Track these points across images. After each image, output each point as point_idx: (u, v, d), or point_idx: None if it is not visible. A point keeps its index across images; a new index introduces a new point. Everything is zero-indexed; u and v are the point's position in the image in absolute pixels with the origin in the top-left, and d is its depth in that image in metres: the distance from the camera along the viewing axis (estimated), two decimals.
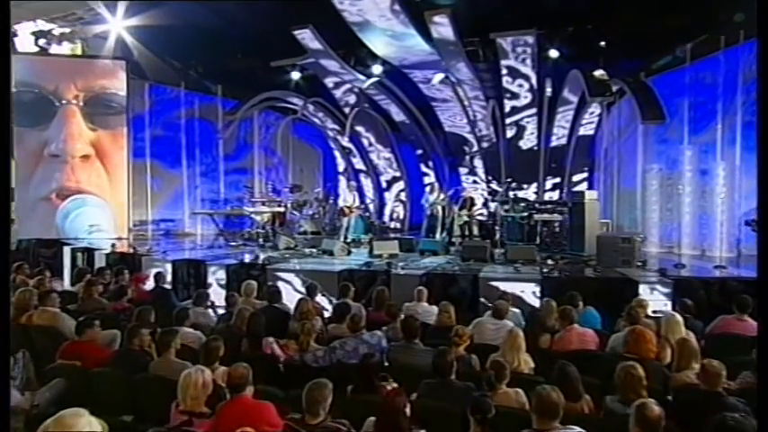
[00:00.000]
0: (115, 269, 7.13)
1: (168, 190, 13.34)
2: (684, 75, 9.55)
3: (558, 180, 13.43)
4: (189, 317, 4.82)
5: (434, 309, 5.78)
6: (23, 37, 11.58)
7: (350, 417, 3.12)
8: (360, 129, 14.62)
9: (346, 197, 11.03)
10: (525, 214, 9.86)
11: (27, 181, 11.32)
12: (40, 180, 11.45)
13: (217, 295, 7.18)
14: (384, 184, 15.50)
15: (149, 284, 7.16)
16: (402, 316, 5.24)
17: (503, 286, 7.08)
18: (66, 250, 10.05)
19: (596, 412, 3.34)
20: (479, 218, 11.11)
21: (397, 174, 15.26)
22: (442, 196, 10.94)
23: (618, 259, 7.68)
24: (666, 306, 6.35)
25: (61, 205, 11.45)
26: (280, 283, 7.36)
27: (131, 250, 9.80)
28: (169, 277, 8.24)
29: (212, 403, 3.22)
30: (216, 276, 8.13)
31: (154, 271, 7.55)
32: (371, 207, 14.64)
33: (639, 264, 7.75)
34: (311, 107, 13.90)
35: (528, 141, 13.24)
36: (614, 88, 9.83)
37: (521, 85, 12.21)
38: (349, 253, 9.48)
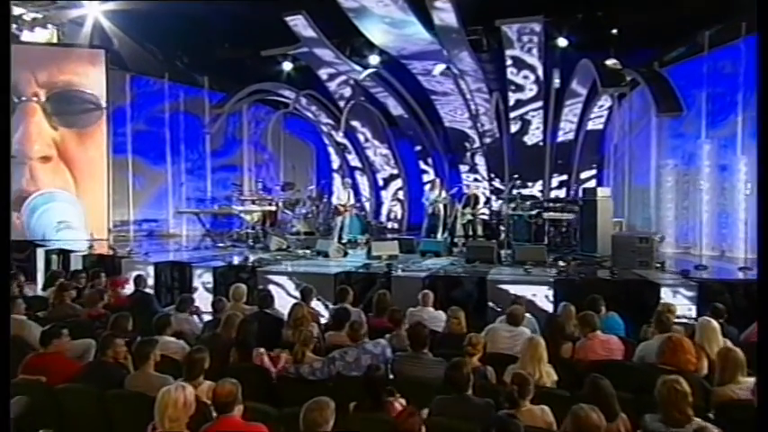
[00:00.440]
0: (91, 272, 6.78)
1: (151, 188, 13.05)
2: (702, 64, 9.31)
3: (564, 177, 13.26)
4: (171, 324, 4.50)
5: (441, 314, 5.55)
6: None
7: None
8: (355, 123, 14.42)
9: (340, 195, 10.82)
10: (533, 213, 9.60)
11: None
12: None
13: (203, 300, 6.93)
14: (381, 182, 15.32)
15: (128, 289, 6.81)
16: (407, 323, 4.95)
17: (512, 289, 6.84)
18: (41, 252, 9.67)
19: None
20: (483, 217, 10.87)
21: (395, 171, 15.08)
22: (443, 194, 10.67)
23: (635, 260, 7.45)
24: (691, 311, 6.10)
25: (27, 200, 11.00)
26: (271, 287, 7.17)
27: (111, 252, 9.43)
28: (151, 281, 7.97)
29: (195, 424, 2.90)
30: (202, 280, 7.91)
31: (134, 274, 7.17)
32: (368, 206, 14.43)
33: (658, 265, 7.50)
34: (304, 100, 13.70)
35: (533, 136, 13.04)
36: (627, 79, 9.56)
37: (526, 77, 11.98)
38: (345, 254, 9.27)
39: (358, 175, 15.34)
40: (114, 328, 4.26)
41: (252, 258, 8.78)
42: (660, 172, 10.18)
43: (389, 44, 11.62)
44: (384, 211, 15.22)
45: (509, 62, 11.71)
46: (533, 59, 11.52)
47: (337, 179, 14.73)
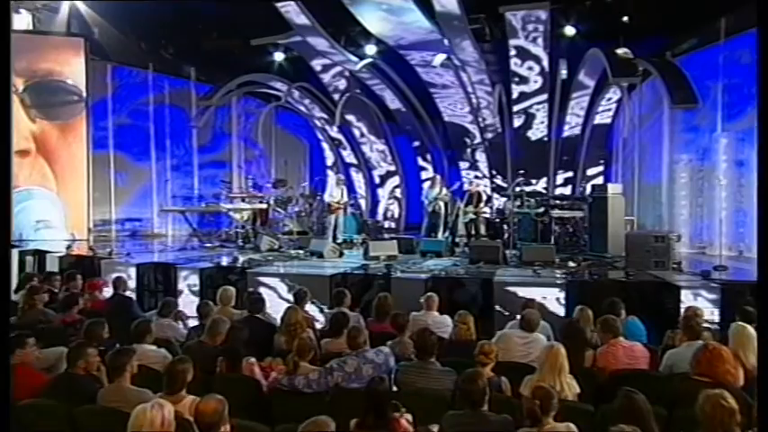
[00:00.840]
0: (66, 274, 6.47)
1: (135, 185, 12.80)
2: (717, 53, 9.09)
3: (570, 174, 13.08)
4: (151, 331, 4.22)
5: (447, 319, 5.32)
6: None
7: None
8: (350, 118, 14.17)
9: (333, 192, 10.61)
10: (540, 210, 9.36)
11: None
12: None
13: (189, 304, 6.64)
14: (377, 180, 15.06)
15: (107, 292, 6.51)
16: (409, 328, 4.68)
17: (521, 292, 6.61)
18: (15, 253, 9.32)
19: None
20: (485, 215, 10.70)
21: (392, 168, 14.83)
22: (444, 191, 10.49)
23: (650, 261, 7.25)
24: (714, 315, 5.86)
25: None
26: (262, 290, 6.94)
27: (90, 253, 9.13)
28: (132, 283, 7.76)
29: None
30: (188, 282, 7.68)
31: (113, 276, 6.88)
32: (363, 204, 14.27)
33: (675, 266, 7.28)
34: (296, 93, 13.46)
35: (537, 131, 12.82)
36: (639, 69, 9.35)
37: (530, 68, 11.76)
38: (341, 255, 9.07)
39: (353, 171, 15.10)
40: (87, 335, 3.96)
41: (241, 259, 8.61)
42: (673, 168, 9.98)
43: (387, 33, 11.38)
44: (381, 209, 15.01)
45: (513, 52, 11.48)
46: (538, 49, 11.30)
47: (332, 176, 14.48)
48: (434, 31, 10.96)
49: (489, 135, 13.44)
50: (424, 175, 14.49)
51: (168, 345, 4.53)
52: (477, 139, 13.70)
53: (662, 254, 7.21)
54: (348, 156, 15.02)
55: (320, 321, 6.38)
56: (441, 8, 10.17)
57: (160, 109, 12.96)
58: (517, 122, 12.73)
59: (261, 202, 11.36)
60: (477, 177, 13.68)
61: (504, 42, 11.32)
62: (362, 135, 14.60)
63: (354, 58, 12.23)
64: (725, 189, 8.82)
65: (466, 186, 12.05)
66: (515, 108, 12.51)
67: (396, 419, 3.10)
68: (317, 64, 12.98)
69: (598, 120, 12.30)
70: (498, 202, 12.58)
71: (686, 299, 6.09)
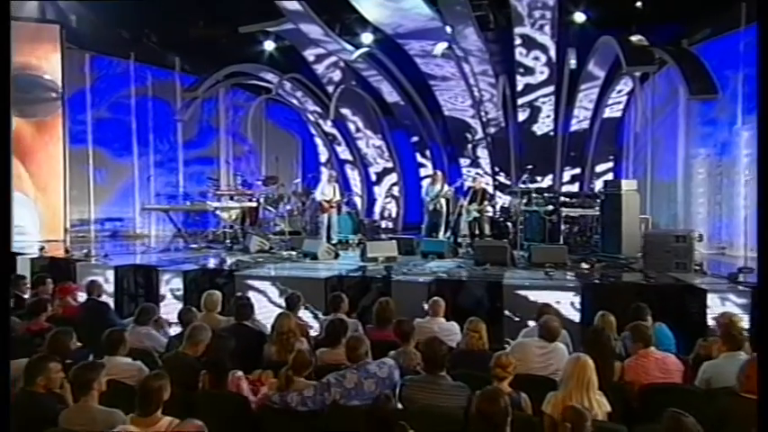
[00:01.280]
0: (35, 278, 6.13)
1: (116, 183, 12.53)
2: (737, 41, 8.81)
3: (577, 171, 12.90)
4: (124, 341, 3.89)
5: (455, 326, 5.06)
6: None
7: None
8: (345, 111, 13.97)
9: (324, 189, 10.37)
10: (550, 208, 9.09)
11: None
12: None
13: (173, 310, 6.34)
14: (374, 177, 14.87)
15: (82, 297, 6.19)
16: (414, 336, 4.38)
17: (532, 296, 6.37)
18: None
19: None
20: (489, 214, 10.47)
21: (389, 164, 14.64)
22: (446, 188, 10.26)
23: (671, 262, 6.99)
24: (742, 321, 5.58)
25: None
26: (251, 294, 6.67)
27: (65, 254, 8.82)
28: (111, 287, 7.53)
29: None
30: (170, 286, 7.44)
31: (88, 280, 6.56)
32: (359, 203, 14.09)
33: (697, 267, 7.01)
34: (288, 85, 13.21)
35: (543, 125, 12.61)
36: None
37: (536, 58, 11.52)
38: (336, 256, 8.87)
39: (348, 168, 14.92)
40: (51, 347, 3.63)
41: (229, 261, 8.35)
42: (690, 163, 9.73)
43: (384, 20, 11.11)
44: (377, 208, 14.84)
45: (518, 41, 11.24)
46: (545, 38, 11.07)
47: (325, 173, 14.22)
48: (435, 18, 10.70)
49: (492, 130, 13.22)
50: (422, 172, 14.33)
51: (145, 356, 4.22)
52: (479, 135, 13.51)
53: (683, 255, 6.94)
54: (343, 152, 14.83)
55: (314, 328, 6.12)
56: None
57: (142, 101, 12.73)
58: (522, 116, 12.52)
59: (250, 201, 11.21)
60: (479, 174, 13.52)
61: (509, 30, 11.08)
62: (358, 130, 14.40)
63: (350, 48, 11.97)
64: (746, 185, 8.54)
65: (468, 184, 11.86)
66: (520, 101, 12.28)
67: None
68: (310, 54, 12.73)
69: (608, 113, 12.09)
70: (503, 199, 12.33)
71: (713, 303, 5.82)
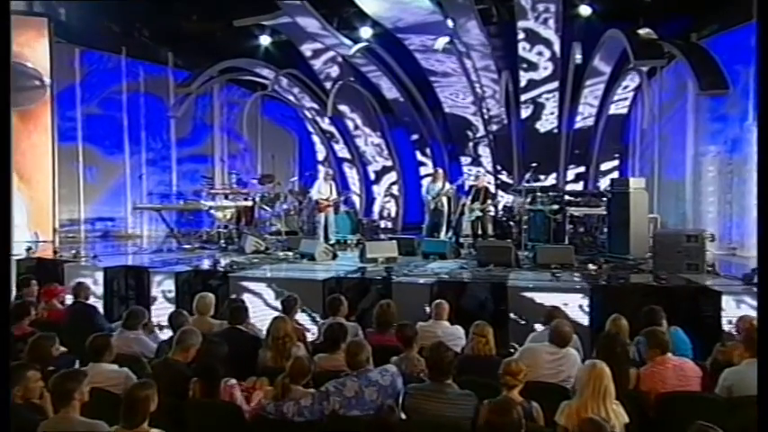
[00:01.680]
0: (19, 279, 5.96)
1: (107, 182, 12.39)
2: (748, 34, 8.65)
3: (582, 169, 12.75)
4: (110, 347, 3.75)
5: (459, 330, 4.94)
6: None
7: None
8: (344, 108, 13.82)
9: (321, 188, 10.30)
10: (555, 207, 8.97)
11: None
12: None
13: (165, 313, 6.19)
14: (372, 176, 14.75)
15: (70, 300, 6.04)
16: (418, 341, 4.26)
17: (538, 298, 6.24)
18: None
19: None
20: (491, 213, 10.32)
21: (388, 163, 14.51)
22: (447, 186, 10.15)
23: (682, 263, 6.86)
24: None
25: None
26: (246, 297, 6.59)
27: (53, 255, 8.69)
28: (100, 289, 7.44)
29: None
30: (162, 288, 7.31)
31: (75, 281, 6.43)
32: (357, 202, 14.04)
33: (709, 268, 6.88)
34: (284, 81, 13.08)
35: (547, 123, 12.44)
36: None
37: (540, 53, 11.35)
38: (334, 257, 8.75)
39: (347, 167, 14.79)
40: (31, 353, 3.47)
41: (223, 262, 8.24)
42: (699, 161, 9.59)
43: (384, 14, 10.95)
44: (376, 208, 14.73)
45: (521, 36, 11.07)
46: (549, 32, 10.89)
47: (322, 171, 14.17)
48: (436, 11, 10.55)
49: (494, 127, 13.08)
50: (423, 170, 14.21)
51: (133, 362, 4.07)
52: (481, 132, 13.36)
53: (695, 255, 6.82)
54: (341, 150, 14.69)
55: (312, 332, 6.03)
56: None
57: (134, 97, 12.60)
58: (525, 113, 12.37)
59: (246, 200, 11.10)
60: (480, 173, 13.41)
61: (512, 24, 10.93)
62: (356, 127, 14.27)
63: (348, 42, 11.84)
64: (757, 184, 8.40)
65: (470, 182, 11.75)
66: (523, 97, 12.12)
67: None
68: (307, 48, 12.57)
69: (613, 110, 11.95)
70: (505, 198, 12.22)
71: (727, 306, 5.68)
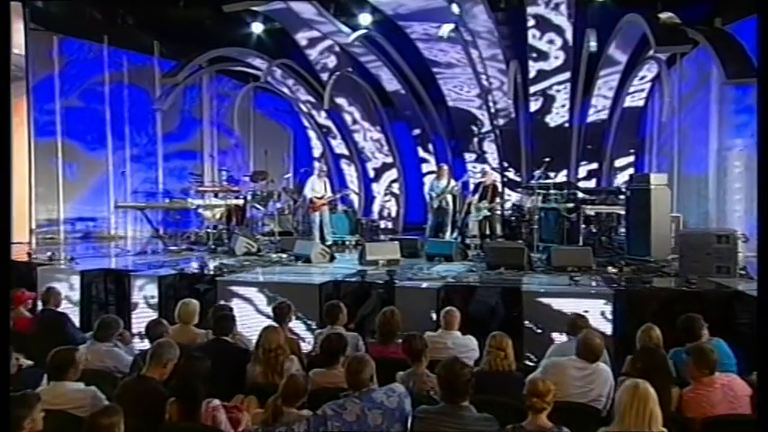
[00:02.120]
0: None
1: (88, 179, 12.16)
2: None
3: (594, 166, 12.64)
4: (74, 363, 3.44)
5: (472, 341, 4.64)
6: None
7: None
8: (341, 101, 13.71)
9: (314, 186, 10.19)
10: (571, 206, 8.68)
11: None
12: None
13: (145, 320, 5.88)
14: (372, 173, 14.71)
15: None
16: (428, 355, 3.92)
17: (556, 304, 5.91)
18: None
19: None
20: (498, 212, 10.13)
21: (389, 159, 14.46)
22: (452, 183, 9.98)
23: (711, 265, 6.55)
24: None
25: None
26: (236, 302, 6.33)
27: (28, 258, 8.47)
28: (77, 295, 7.18)
29: None
30: (144, 293, 7.01)
31: (45, 287, 6.13)
32: (356, 201, 14.04)
33: (741, 272, 6.58)
34: (278, 72, 12.94)
35: (557, 116, 12.30)
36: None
37: (551, 41, 11.14)
38: (332, 259, 8.54)
39: (344, 164, 14.76)
40: None
41: (212, 265, 8.00)
42: (723, 155, 9.30)
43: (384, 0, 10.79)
44: (376, 207, 14.66)
45: (531, 22, 10.88)
46: (561, 18, 10.68)
47: (316, 168, 14.03)
48: None
49: (501, 121, 12.96)
50: (425, 167, 14.21)
51: (103, 379, 3.75)
52: (487, 127, 13.27)
53: (726, 257, 6.51)
54: (338, 145, 14.70)
55: (307, 341, 5.79)
56: None
57: (117, 89, 12.40)
58: (534, 106, 12.23)
59: (236, 198, 11.03)
60: (486, 170, 13.19)
61: (522, 10, 10.73)
62: (355, 122, 14.20)
63: (346, 30, 11.69)
64: None
65: (476, 179, 11.53)
66: (532, 89, 11.96)
67: None
68: (302, 37, 12.41)
69: (629, 102, 11.78)
70: (512, 197, 11.98)
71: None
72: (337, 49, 12.65)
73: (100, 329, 4.33)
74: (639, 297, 5.88)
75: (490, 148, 13.44)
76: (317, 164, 13.52)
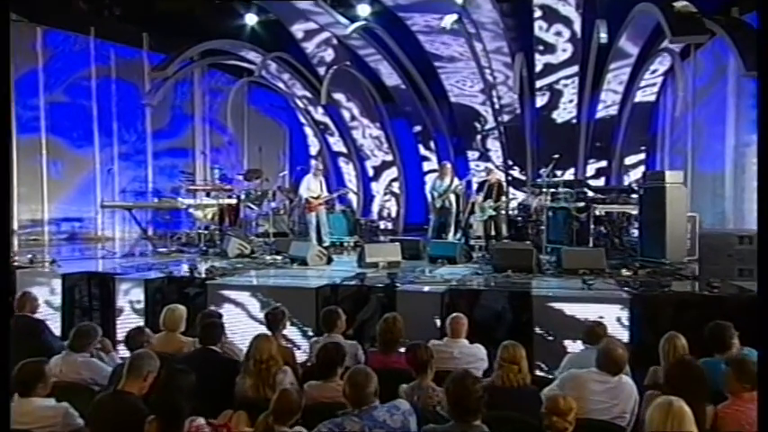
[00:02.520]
0: None
1: (74, 178, 12.13)
2: None
3: (603, 164, 12.65)
4: (44, 377, 3.25)
5: (480, 351, 4.42)
6: None
7: None
8: (339, 97, 13.77)
9: (310, 185, 10.08)
10: (581, 205, 8.50)
11: None
12: None
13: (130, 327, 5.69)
14: (371, 172, 14.77)
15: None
16: (433, 366, 3.72)
17: (569, 309, 5.70)
18: None
19: None
20: (504, 212, 9.95)
21: (389, 157, 14.52)
22: (456, 182, 9.78)
23: (733, 268, 6.39)
24: None
25: None
26: (227, 308, 6.15)
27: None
28: (58, 300, 6.94)
29: None
30: (130, 297, 6.80)
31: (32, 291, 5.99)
32: (354, 201, 14.05)
33: None
34: (273, 66, 13.00)
35: (565, 112, 12.35)
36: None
37: (558, 33, 11.19)
38: (329, 261, 8.38)
39: (342, 162, 14.79)
40: None
41: (203, 267, 7.84)
42: (741, 152, 9.15)
43: None
44: (375, 207, 14.66)
45: (538, 14, 10.94)
46: (569, 9, 10.74)
47: (312, 166, 13.99)
48: None
49: (505, 118, 12.97)
50: (426, 166, 14.28)
51: (78, 394, 3.53)
52: (491, 123, 13.29)
53: (749, 259, 6.28)
54: (336, 143, 14.72)
55: (303, 349, 5.60)
56: None
57: (105, 84, 12.35)
58: (540, 101, 12.28)
59: (229, 198, 10.92)
60: (491, 168, 13.11)
61: (528, 1, 10.76)
62: (353, 118, 14.23)
63: (344, 21, 11.71)
64: None
65: (479, 178, 11.36)
66: (538, 83, 12.01)
67: None
68: (298, 29, 12.43)
69: (640, 97, 11.79)
70: (516, 196, 11.90)
71: None
72: (335, 41, 12.68)
73: (75, 339, 4.09)
74: (658, 302, 5.64)
75: (494, 146, 13.47)
76: (313, 162, 13.45)
